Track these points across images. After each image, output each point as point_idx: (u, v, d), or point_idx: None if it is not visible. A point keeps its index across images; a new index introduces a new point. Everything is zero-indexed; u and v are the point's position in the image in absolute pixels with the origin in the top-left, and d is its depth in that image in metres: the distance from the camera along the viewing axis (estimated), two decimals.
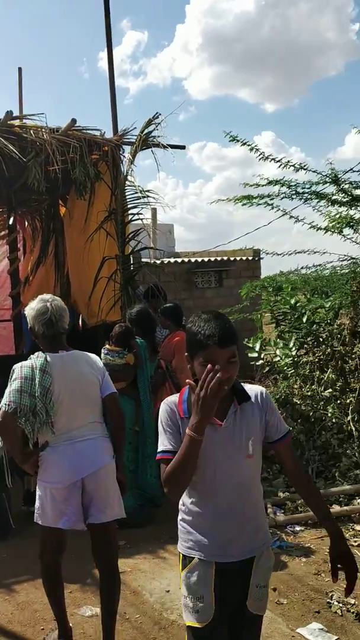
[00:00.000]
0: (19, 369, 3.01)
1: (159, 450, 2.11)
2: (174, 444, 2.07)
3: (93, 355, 3.26)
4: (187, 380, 2.09)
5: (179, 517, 2.22)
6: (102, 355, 4.97)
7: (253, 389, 2.19)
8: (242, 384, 2.19)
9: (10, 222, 8.74)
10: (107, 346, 4.98)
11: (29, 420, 2.93)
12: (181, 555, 2.20)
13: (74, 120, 6.11)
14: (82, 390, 3.08)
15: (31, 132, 6.00)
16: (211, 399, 1.89)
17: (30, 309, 3.15)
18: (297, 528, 4.62)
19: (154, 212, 11.62)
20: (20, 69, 9.01)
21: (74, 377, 3.07)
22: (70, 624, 3.34)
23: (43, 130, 6.03)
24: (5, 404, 2.90)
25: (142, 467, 4.85)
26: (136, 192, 6.44)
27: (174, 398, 2.19)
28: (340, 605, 3.54)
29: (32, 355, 3.10)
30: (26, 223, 9.70)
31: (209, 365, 1.92)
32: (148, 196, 6.31)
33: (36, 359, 3.05)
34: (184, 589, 2.19)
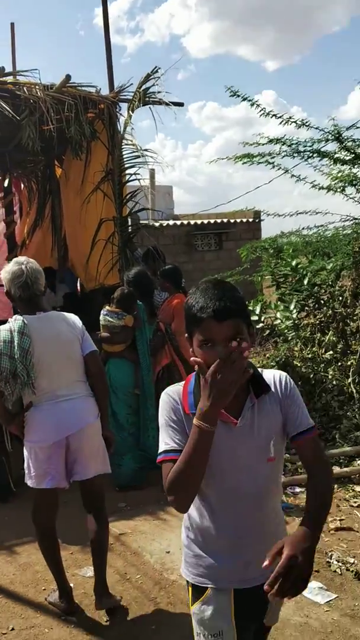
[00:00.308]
0: None
1: (160, 450, 1.73)
2: (179, 442, 1.70)
3: (71, 315, 3.29)
4: (192, 359, 1.64)
5: (184, 536, 1.88)
6: (102, 316, 4.92)
7: (272, 375, 1.79)
8: (261, 370, 1.80)
9: (6, 184, 8.60)
10: (106, 307, 4.92)
11: (9, 382, 2.98)
12: (190, 585, 1.84)
13: (68, 77, 5.91)
14: (62, 349, 3.11)
15: (24, 89, 5.81)
16: (229, 384, 1.54)
17: (6, 272, 3.15)
18: (297, 489, 4.63)
19: (152, 173, 11.39)
20: (12, 24, 8.69)
21: (53, 337, 3.09)
22: (72, 584, 3.37)
23: (37, 87, 5.84)
24: None
25: (143, 429, 4.83)
26: (134, 152, 6.26)
27: (177, 388, 1.81)
28: (340, 564, 3.56)
29: (9, 319, 3.12)
30: (22, 185, 9.52)
31: (234, 343, 1.53)
32: (146, 155, 6.13)
33: (14, 321, 3.07)
34: (197, 626, 1.82)
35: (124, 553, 3.82)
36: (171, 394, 1.79)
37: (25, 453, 3.13)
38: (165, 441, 1.73)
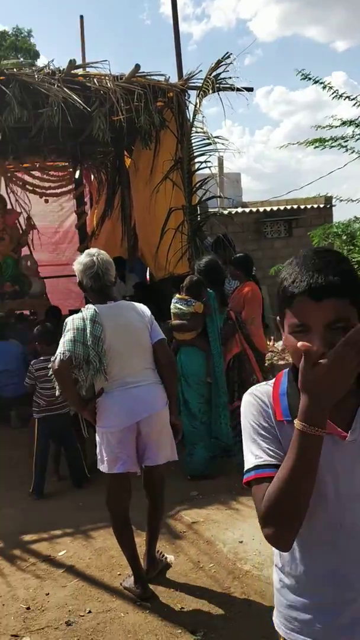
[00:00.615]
0: (71, 321, 3.15)
1: (248, 465, 1.36)
2: (275, 454, 1.33)
3: (140, 305, 3.36)
4: (300, 344, 1.19)
5: (275, 578, 1.48)
6: (172, 304, 4.93)
7: None
8: None
9: (77, 175, 8.75)
10: (177, 295, 4.93)
11: (83, 368, 3.09)
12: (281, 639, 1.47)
13: (137, 66, 5.92)
14: (132, 337, 3.19)
15: (94, 80, 5.87)
16: (346, 373, 1.17)
17: (78, 264, 3.25)
18: None
19: (221, 160, 11.30)
20: (82, 17, 8.78)
21: (123, 326, 3.18)
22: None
23: (107, 78, 5.88)
24: (61, 353, 3.06)
25: (215, 417, 4.80)
26: (204, 139, 6.20)
27: (266, 388, 1.44)
28: None
29: (82, 308, 3.24)
30: (92, 176, 9.66)
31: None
32: (217, 142, 6.06)
33: (86, 310, 3.18)
34: None
35: (197, 541, 3.83)
36: (259, 395, 1.42)
37: (98, 439, 3.22)
38: (256, 453, 1.35)
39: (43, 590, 3.35)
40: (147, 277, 8.37)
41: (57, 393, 3.28)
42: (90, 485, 4.72)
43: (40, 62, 24.89)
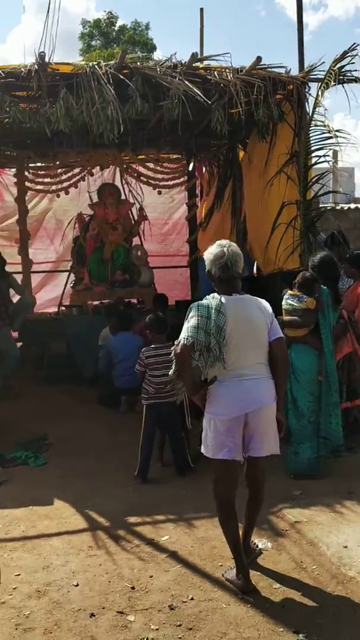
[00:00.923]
0: (196, 308, 3.25)
1: None
2: None
3: (263, 301, 3.40)
4: None
5: None
6: (283, 299, 4.86)
7: None
8: None
9: (190, 167, 8.83)
10: (289, 291, 4.85)
11: (203, 354, 3.18)
12: None
13: (259, 58, 5.85)
14: (252, 331, 3.25)
15: (215, 73, 5.88)
16: None
17: (209, 254, 3.35)
18: None
19: (335, 154, 11.01)
20: (202, 10, 8.85)
21: (245, 319, 3.24)
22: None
23: (227, 70, 5.87)
24: (184, 338, 3.18)
25: (325, 416, 4.68)
26: (323, 133, 6.05)
27: None
28: None
29: (207, 296, 3.31)
30: (203, 169, 9.71)
31: None
32: (338, 136, 5.89)
33: (212, 299, 3.26)
34: None
35: (300, 541, 3.78)
36: None
37: (205, 424, 3.32)
38: None
39: (147, 572, 3.44)
40: (255, 271, 8.32)
41: (170, 372, 3.39)
42: (193, 474, 4.78)
43: (156, 55, 25.35)
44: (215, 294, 3.30)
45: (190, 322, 3.21)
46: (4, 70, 5.50)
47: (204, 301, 3.28)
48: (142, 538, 3.85)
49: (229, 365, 3.20)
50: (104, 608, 3.10)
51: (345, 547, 3.70)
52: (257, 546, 3.66)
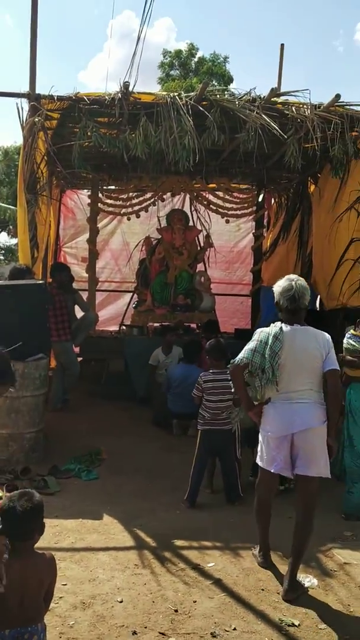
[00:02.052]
0: (259, 333, 3.65)
1: None
2: None
3: (324, 334, 3.62)
4: None
5: None
6: (345, 339, 4.80)
7: None
8: None
9: (260, 198, 8.93)
10: (351, 331, 4.80)
11: (258, 375, 3.56)
12: None
13: (337, 96, 5.92)
14: (305, 360, 3.52)
15: (293, 109, 5.97)
16: None
17: (278, 286, 3.65)
18: None
19: None
20: (282, 46, 8.99)
21: (301, 348, 3.52)
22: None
23: (305, 106, 5.95)
24: (240, 359, 3.63)
25: None
26: None
27: None
28: None
29: (272, 324, 3.64)
30: (272, 200, 9.79)
31: None
32: None
33: (274, 327, 3.60)
34: None
35: (348, 584, 3.69)
36: None
37: (260, 438, 3.71)
38: None
39: (191, 596, 3.44)
40: (317, 305, 8.27)
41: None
42: (242, 504, 4.75)
43: (233, 87, 25.76)
44: (279, 323, 3.61)
45: (249, 345, 3.62)
46: (90, 98, 5.77)
47: (267, 328, 3.62)
48: (188, 562, 3.85)
49: (280, 388, 3.52)
50: (146, 627, 3.12)
51: None
52: (304, 583, 3.61)
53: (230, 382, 4.17)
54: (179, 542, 4.12)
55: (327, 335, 3.61)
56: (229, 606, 3.38)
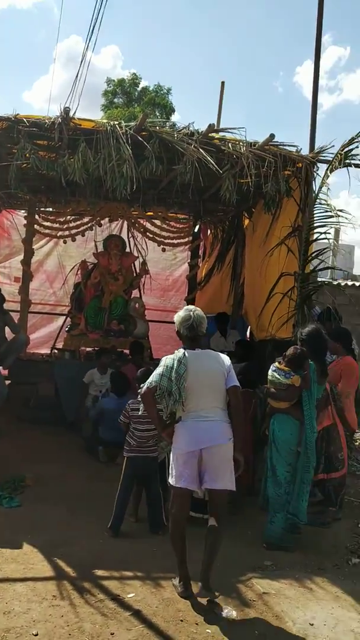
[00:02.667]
0: (164, 359, 3.93)
1: None
2: None
3: (223, 355, 4.04)
4: None
5: None
6: (270, 371, 4.92)
7: None
8: None
9: (196, 229, 9.10)
10: (276, 364, 4.93)
11: (164, 397, 3.83)
12: None
13: (272, 136, 6.15)
14: (209, 380, 3.84)
15: (229, 145, 6.15)
16: None
17: (178, 316, 4.03)
18: None
19: (337, 231, 11.35)
20: (223, 83, 9.27)
21: (204, 370, 3.85)
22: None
23: (241, 143, 6.15)
24: (149, 382, 3.89)
25: (298, 493, 4.70)
26: (327, 211, 6.30)
27: None
28: None
29: (175, 351, 3.94)
30: (208, 231, 9.99)
31: None
32: (340, 216, 6.13)
33: (178, 352, 3.90)
34: None
35: (266, 614, 3.74)
36: None
37: (171, 457, 3.93)
38: None
39: (108, 628, 3.40)
40: (248, 335, 8.45)
41: (140, 413, 4.18)
42: (166, 533, 4.72)
43: (174, 117, 26.22)
44: (181, 349, 3.93)
45: (157, 370, 3.89)
46: (29, 120, 5.76)
47: (172, 354, 3.92)
48: (108, 593, 3.80)
49: (188, 408, 3.80)
50: None
51: (312, 624, 3.66)
52: (222, 611, 3.66)
53: None
54: (100, 572, 4.07)
55: (226, 356, 4.02)
56: (146, 638, 3.36)
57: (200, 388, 3.81)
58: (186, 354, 3.85)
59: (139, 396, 4.17)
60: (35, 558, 4.21)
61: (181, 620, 3.56)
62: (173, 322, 10.06)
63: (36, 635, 3.26)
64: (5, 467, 5.98)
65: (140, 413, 4.55)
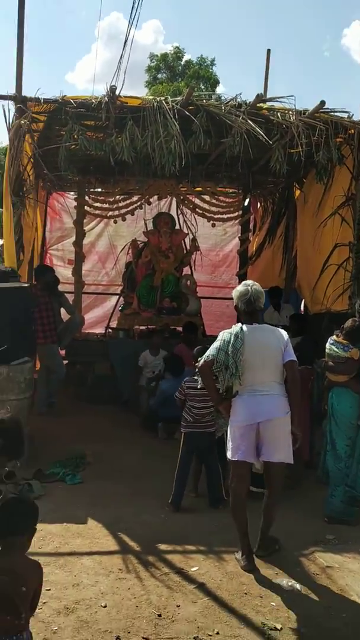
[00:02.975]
0: (222, 334, 3.99)
1: None
2: None
3: (280, 329, 4.06)
4: None
5: None
6: (327, 345, 4.84)
7: None
8: None
9: (246, 203, 8.98)
10: (334, 337, 4.84)
11: (222, 371, 3.87)
12: None
13: (322, 102, 5.98)
14: (266, 354, 3.87)
15: (278, 114, 6.02)
16: None
17: (236, 291, 4.07)
18: None
19: None
20: (268, 51, 9.04)
21: (261, 344, 3.88)
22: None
23: (290, 112, 6.01)
24: (206, 356, 3.97)
25: (356, 465, 4.65)
26: None
27: None
28: None
29: (233, 325, 4.00)
30: (258, 204, 9.84)
31: None
32: None
33: (235, 327, 3.95)
34: None
35: (330, 587, 3.73)
36: None
37: (228, 430, 3.99)
38: None
39: (174, 601, 3.46)
40: (302, 309, 8.33)
41: (198, 386, 4.28)
42: (226, 508, 4.76)
43: (219, 90, 25.81)
44: (239, 323, 3.98)
45: (214, 344, 3.95)
46: (76, 101, 5.78)
47: (230, 329, 3.97)
48: (172, 566, 3.86)
49: (245, 382, 3.85)
50: (129, 632, 3.13)
51: None
52: (289, 584, 3.71)
53: None
54: (163, 546, 4.14)
55: (284, 331, 4.03)
56: (212, 610, 3.40)
57: (257, 362, 3.84)
58: (243, 328, 3.90)
59: (197, 369, 4.22)
60: (99, 533, 4.31)
61: (245, 594, 3.59)
62: (224, 298, 10.12)
63: (105, 607, 3.35)
64: (66, 445, 6.13)
65: (198, 387, 4.57)
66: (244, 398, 3.87)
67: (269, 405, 3.82)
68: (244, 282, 4.13)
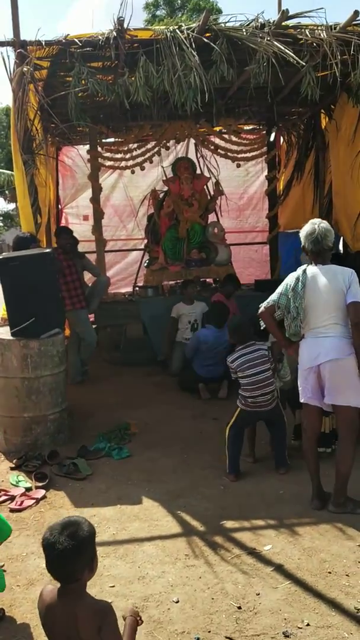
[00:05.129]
0: (287, 278, 3.93)
1: None
2: None
3: (346, 270, 3.82)
4: None
5: None
6: None
7: None
8: None
9: (272, 138, 8.32)
10: None
11: (284, 315, 3.87)
12: None
13: (356, 13, 5.29)
14: (329, 296, 3.73)
15: (307, 32, 5.35)
16: None
17: (303, 231, 3.89)
18: None
19: None
20: None
21: (324, 286, 3.75)
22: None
23: (320, 28, 5.33)
24: (268, 301, 3.99)
25: None
26: None
27: None
28: None
29: (298, 268, 3.89)
30: (281, 139, 9.15)
31: None
32: None
33: (299, 269, 3.87)
34: None
35: None
36: None
37: (299, 373, 3.95)
38: None
39: (252, 588, 3.12)
40: (340, 248, 7.77)
41: (261, 327, 4.12)
42: (290, 473, 4.42)
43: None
44: (304, 265, 3.87)
45: (278, 289, 3.94)
46: (81, 39, 5.18)
47: (294, 272, 3.89)
48: (243, 547, 3.52)
49: (307, 325, 3.81)
50: (209, 632, 2.80)
51: None
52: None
53: (260, 353, 4.40)
54: (228, 524, 3.80)
55: (350, 270, 3.79)
56: (296, 596, 3.06)
57: (319, 304, 3.76)
58: (307, 271, 3.81)
59: (258, 313, 4.07)
60: (157, 513, 3.99)
61: (329, 572, 3.24)
62: (252, 243, 9.58)
63: (177, 602, 3.02)
64: (107, 415, 5.81)
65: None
66: (307, 341, 3.85)
67: (328, 346, 3.72)
68: (310, 221, 3.92)
